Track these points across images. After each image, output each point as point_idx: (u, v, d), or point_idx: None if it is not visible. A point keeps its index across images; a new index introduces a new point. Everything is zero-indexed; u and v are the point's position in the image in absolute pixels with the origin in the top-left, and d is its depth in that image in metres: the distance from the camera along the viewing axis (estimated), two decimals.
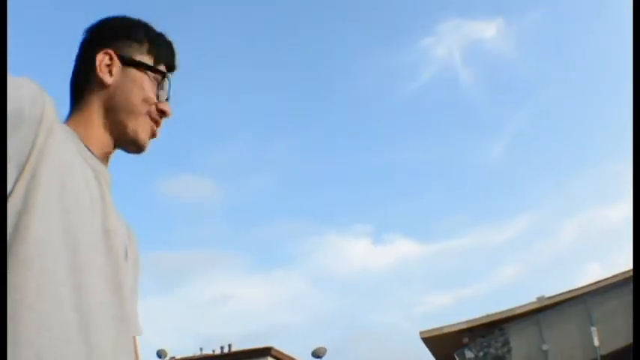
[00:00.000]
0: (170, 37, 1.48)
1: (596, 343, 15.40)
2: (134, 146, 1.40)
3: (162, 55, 1.43)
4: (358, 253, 49.83)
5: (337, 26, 42.74)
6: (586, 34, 41.94)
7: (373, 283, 49.35)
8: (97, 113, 1.36)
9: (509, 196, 45.12)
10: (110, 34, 1.41)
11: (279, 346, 27.26)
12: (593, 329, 15.64)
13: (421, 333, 20.29)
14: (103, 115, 1.36)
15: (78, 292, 1.14)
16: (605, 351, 14.96)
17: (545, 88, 40.49)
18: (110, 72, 1.37)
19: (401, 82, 44.56)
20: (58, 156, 1.17)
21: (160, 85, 1.41)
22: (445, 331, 19.49)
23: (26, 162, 1.11)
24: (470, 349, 18.28)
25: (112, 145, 1.38)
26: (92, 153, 1.33)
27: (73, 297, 1.13)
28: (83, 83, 1.38)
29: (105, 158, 1.38)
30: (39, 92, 1.14)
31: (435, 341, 20.20)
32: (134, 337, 1.41)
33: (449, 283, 51.15)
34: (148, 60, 1.40)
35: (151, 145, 1.44)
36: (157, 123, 1.40)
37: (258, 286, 46.74)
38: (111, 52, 1.37)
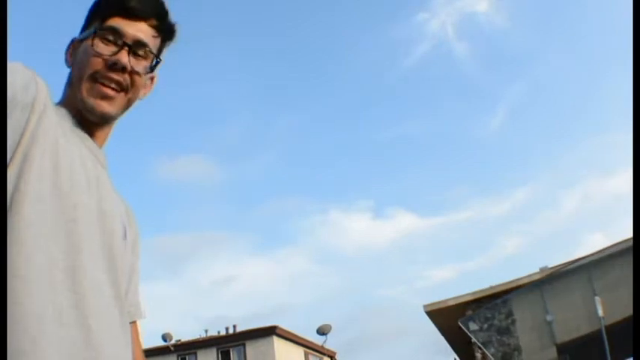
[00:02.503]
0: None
1: (601, 313, 15.37)
2: (90, 114, 1.35)
3: (109, 10, 1.37)
4: (361, 229, 49.98)
5: (333, 3, 42.41)
6: (580, 3, 41.60)
7: (376, 258, 49.60)
8: (67, 96, 1.38)
9: (509, 168, 45.17)
10: (82, 25, 1.43)
11: (284, 324, 27.44)
12: (597, 299, 15.60)
13: (425, 307, 20.24)
14: (70, 94, 1.37)
15: (72, 273, 1.13)
16: (609, 321, 14.92)
17: (541, 58, 40.28)
18: (71, 55, 1.41)
19: (397, 58, 44.41)
20: (50, 138, 1.17)
21: (111, 42, 1.35)
22: (449, 304, 19.44)
23: (17, 146, 1.11)
24: (474, 321, 18.31)
25: (86, 120, 1.36)
26: (86, 133, 1.35)
27: (68, 279, 1.12)
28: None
29: (96, 137, 1.39)
30: (31, 77, 1.15)
31: (439, 314, 20.19)
32: (135, 322, 1.46)
33: (452, 256, 51.44)
34: (97, 25, 1.36)
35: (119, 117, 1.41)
36: (107, 81, 1.33)
37: (262, 266, 47.00)
38: (75, 38, 1.42)
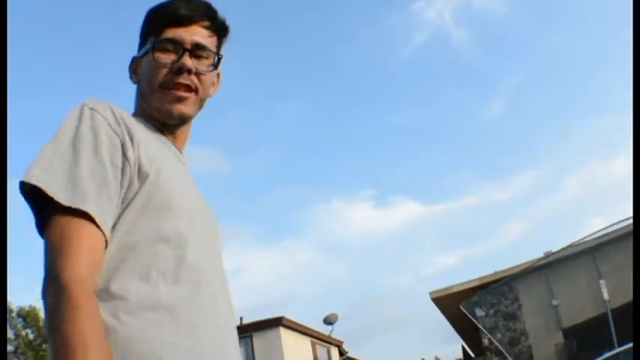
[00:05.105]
0: None
1: (606, 296, 15.37)
2: (169, 119, 1.47)
3: (161, 23, 1.47)
4: (365, 217, 49.96)
5: None
6: None
7: (381, 246, 49.57)
8: (141, 108, 1.49)
9: (511, 153, 45.02)
10: (139, 44, 1.55)
11: (291, 315, 27.43)
12: (602, 282, 15.59)
13: (431, 293, 20.27)
14: (143, 106, 1.48)
15: (182, 265, 1.28)
16: (615, 304, 14.92)
17: (541, 42, 40.05)
18: (135, 72, 1.52)
19: (396, 46, 44.19)
20: (166, 170, 1.33)
21: (171, 51, 1.45)
22: (454, 290, 19.45)
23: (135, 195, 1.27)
24: (480, 307, 18.32)
25: (163, 126, 1.49)
26: (168, 138, 1.49)
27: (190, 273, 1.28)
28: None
29: (178, 139, 1.53)
30: (117, 140, 1.27)
31: (445, 301, 20.21)
32: None
33: (456, 242, 51.38)
34: (153, 40, 1.47)
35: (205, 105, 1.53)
36: (177, 86, 1.44)
37: (267, 257, 46.98)
38: (135, 57, 1.54)
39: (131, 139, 1.28)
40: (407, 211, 52.31)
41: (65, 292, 1.09)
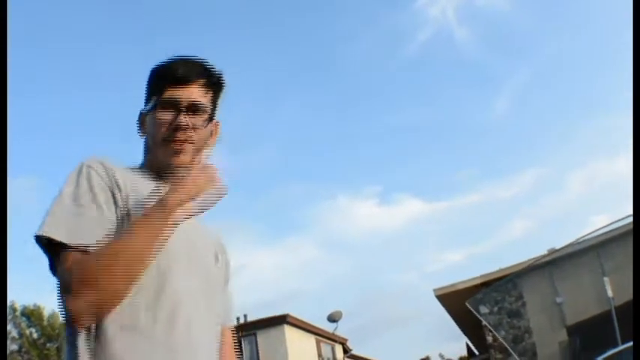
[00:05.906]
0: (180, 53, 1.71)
1: (610, 294, 15.33)
2: (169, 168, 1.64)
3: (162, 83, 1.67)
4: (369, 215, 49.97)
5: None
6: None
7: (385, 244, 49.58)
8: (147, 159, 1.72)
9: (515, 151, 45.00)
10: (145, 99, 1.72)
11: (295, 312, 27.44)
12: (606, 280, 15.56)
13: (435, 291, 20.26)
14: (149, 157, 1.71)
15: (162, 293, 1.47)
16: (619, 302, 14.86)
17: (545, 40, 40.00)
18: (142, 126, 1.73)
19: (399, 44, 44.18)
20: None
21: (170, 110, 1.65)
22: (459, 287, 19.41)
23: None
24: (484, 304, 18.30)
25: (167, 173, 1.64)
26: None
27: (159, 298, 1.46)
28: None
29: None
30: (108, 193, 1.52)
31: (449, 298, 20.19)
32: (229, 328, 1.79)
33: (460, 240, 51.33)
34: (156, 99, 1.66)
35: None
36: (175, 141, 1.64)
37: (271, 254, 47.02)
38: (142, 112, 1.73)
39: (119, 188, 1.53)
40: (411, 208, 52.40)
41: (68, 275, 1.39)
